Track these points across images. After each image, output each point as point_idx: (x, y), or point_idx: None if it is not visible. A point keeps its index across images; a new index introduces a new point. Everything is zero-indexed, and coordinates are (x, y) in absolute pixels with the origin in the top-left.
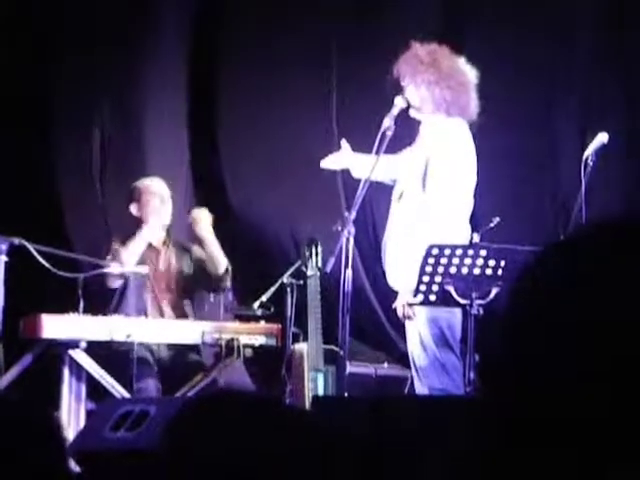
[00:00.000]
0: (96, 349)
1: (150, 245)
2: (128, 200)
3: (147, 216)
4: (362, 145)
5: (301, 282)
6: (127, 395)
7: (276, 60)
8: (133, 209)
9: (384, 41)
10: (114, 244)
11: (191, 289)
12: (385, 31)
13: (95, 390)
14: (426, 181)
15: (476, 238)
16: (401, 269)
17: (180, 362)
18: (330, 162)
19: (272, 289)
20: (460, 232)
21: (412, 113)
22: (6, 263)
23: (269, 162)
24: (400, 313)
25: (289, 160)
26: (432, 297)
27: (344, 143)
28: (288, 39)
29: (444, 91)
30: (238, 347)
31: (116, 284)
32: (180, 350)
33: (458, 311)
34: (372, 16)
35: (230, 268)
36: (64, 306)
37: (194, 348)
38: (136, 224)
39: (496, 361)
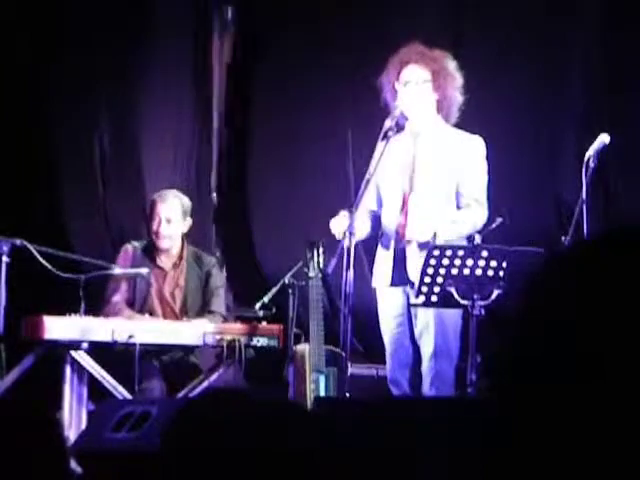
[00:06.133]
0: (99, 350)
1: (158, 266)
2: (146, 210)
3: (152, 235)
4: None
5: (303, 283)
6: (129, 396)
7: (292, 76)
8: (146, 220)
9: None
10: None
11: (195, 306)
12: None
13: (97, 391)
14: (414, 180)
15: (478, 239)
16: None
17: (178, 364)
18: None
19: (274, 290)
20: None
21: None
22: (8, 264)
23: (287, 168)
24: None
25: (305, 165)
26: (434, 298)
27: (339, 218)
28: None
29: (435, 92)
30: (240, 348)
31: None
32: (177, 352)
33: (458, 316)
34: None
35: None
36: (65, 307)
37: (191, 350)
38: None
39: (498, 361)
